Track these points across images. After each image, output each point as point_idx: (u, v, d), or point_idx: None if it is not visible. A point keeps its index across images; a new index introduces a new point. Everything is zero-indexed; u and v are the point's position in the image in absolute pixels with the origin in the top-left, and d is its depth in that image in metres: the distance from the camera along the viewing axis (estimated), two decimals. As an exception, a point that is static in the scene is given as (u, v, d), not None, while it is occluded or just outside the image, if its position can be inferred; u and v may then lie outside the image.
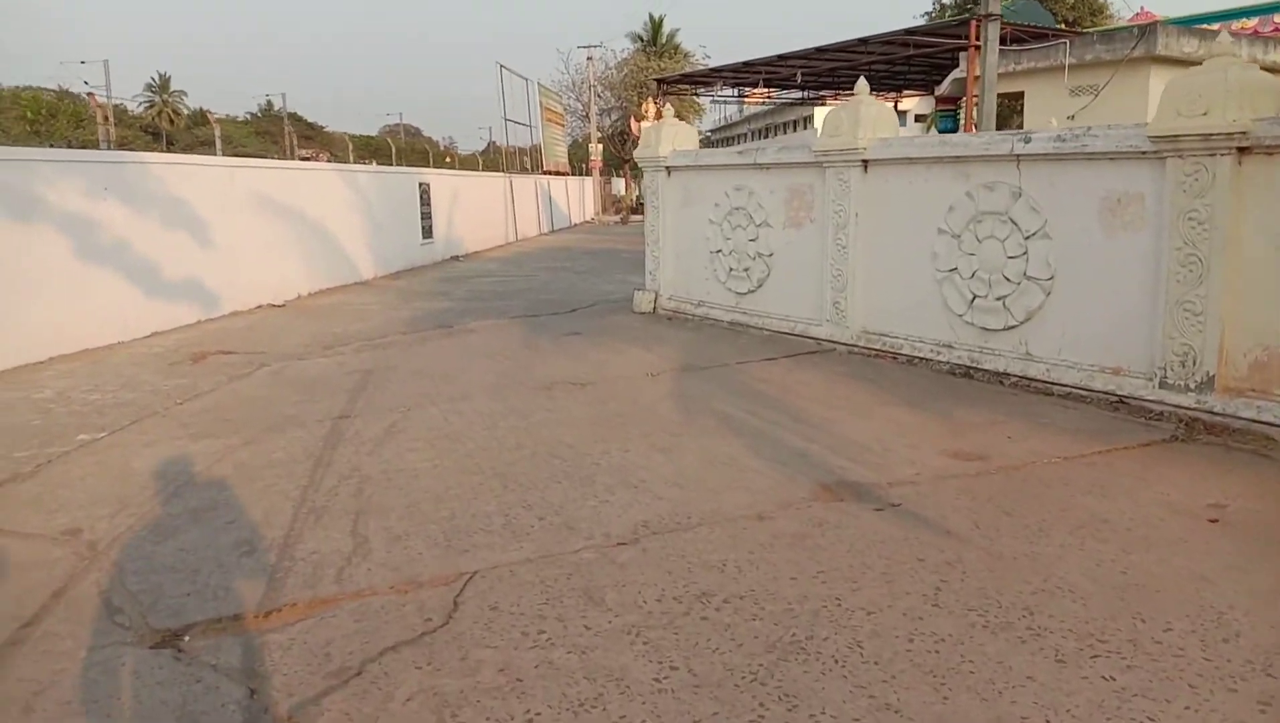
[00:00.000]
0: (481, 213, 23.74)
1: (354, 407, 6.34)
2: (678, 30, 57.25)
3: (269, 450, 5.31)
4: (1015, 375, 6.54)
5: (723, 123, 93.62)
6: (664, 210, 9.79)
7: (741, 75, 22.81)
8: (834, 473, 4.70)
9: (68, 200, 8.82)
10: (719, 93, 23.73)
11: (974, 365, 6.79)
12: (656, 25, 57.90)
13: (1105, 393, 6.04)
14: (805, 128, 74.35)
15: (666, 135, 9.58)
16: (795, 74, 20.51)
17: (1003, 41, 16.95)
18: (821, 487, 4.49)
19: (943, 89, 18.23)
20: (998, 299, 6.62)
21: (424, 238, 18.85)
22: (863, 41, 18.85)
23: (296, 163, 14.20)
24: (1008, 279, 6.54)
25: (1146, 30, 14.60)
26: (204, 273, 10.99)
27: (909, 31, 17.85)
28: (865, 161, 7.44)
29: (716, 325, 9.14)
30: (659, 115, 30.24)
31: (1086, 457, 5.01)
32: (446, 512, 4.25)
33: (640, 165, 9.99)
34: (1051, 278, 6.30)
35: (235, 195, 11.75)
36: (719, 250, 9.09)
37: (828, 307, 7.87)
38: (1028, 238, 6.38)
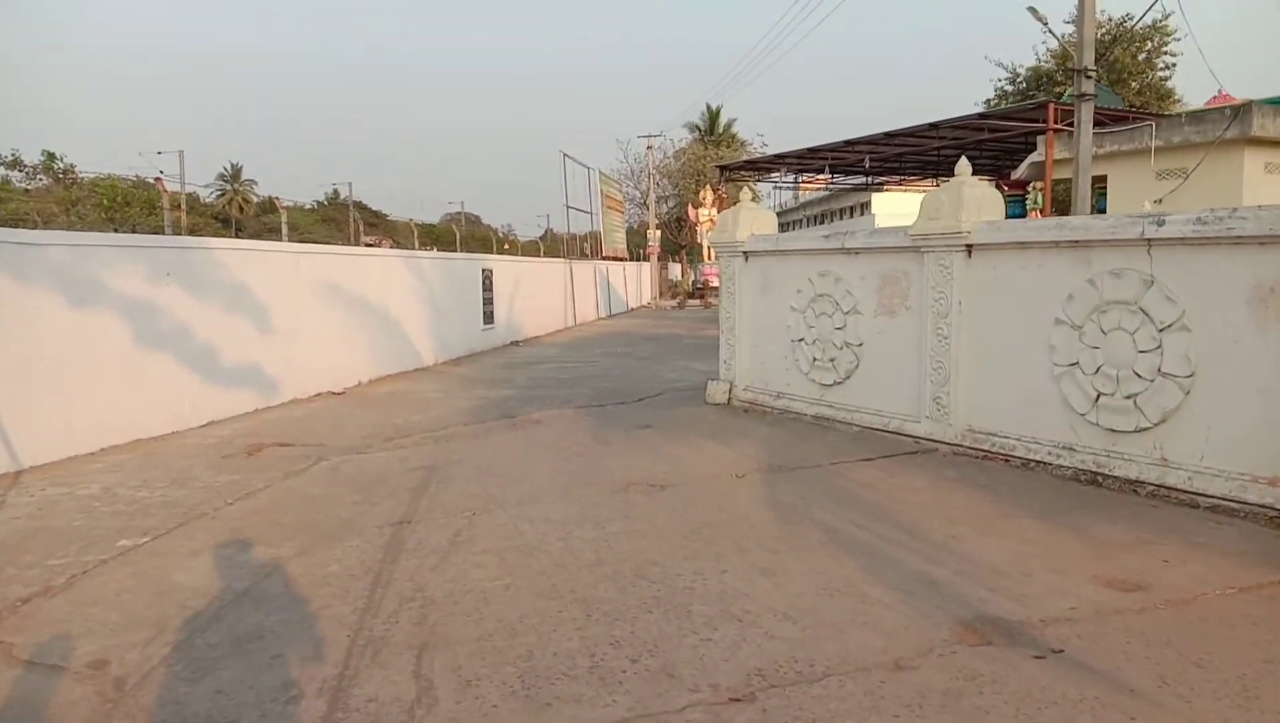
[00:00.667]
0: (542, 298, 23.56)
1: (416, 510, 5.81)
2: (734, 120, 58.06)
3: (323, 562, 4.78)
4: (1151, 483, 5.80)
5: (778, 209, 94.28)
6: (740, 297, 9.29)
7: (805, 161, 22.57)
8: (973, 606, 4.01)
9: (128, 285, 8.60)
10: (782, 178, 23.49)
11: (1101, 471, 6.06)
12: (714, 115, 58.76)
13: (1262, 506, 5.28)
14: (862, 214, 74.29)
15: (744, 219, 9.14)
16: (863, 159, 20.17)
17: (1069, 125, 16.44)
18: (963, 625, 3.80)
19: (1019, 173, 17.71)
20: (1127, 397, 5.92)
21: (485, 323, 18.62)
22: (933, 126, 18.47)
23: (360, 249, 14.08)
24: (1139, 375, 5.85)
25: (1240, 110, 13.97)
26: (264, 360, 10.71)
27: (982, 116, 17.44)
28: (969, 246, 6.87)
29: (799, 420, 8.52)
30: (719, 203, 30.09)
31: (1265, 588, 4.26)
32: (523, 648, 3.64)
33: (715, 250, 9.53)
34: (1191, 375, 5.60)
35: (299, 281, 11.55)
36: (801, 339, 8.53)
37: (926, 402, 7.22)
38: (1162, 330, 5.71)
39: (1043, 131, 16.45)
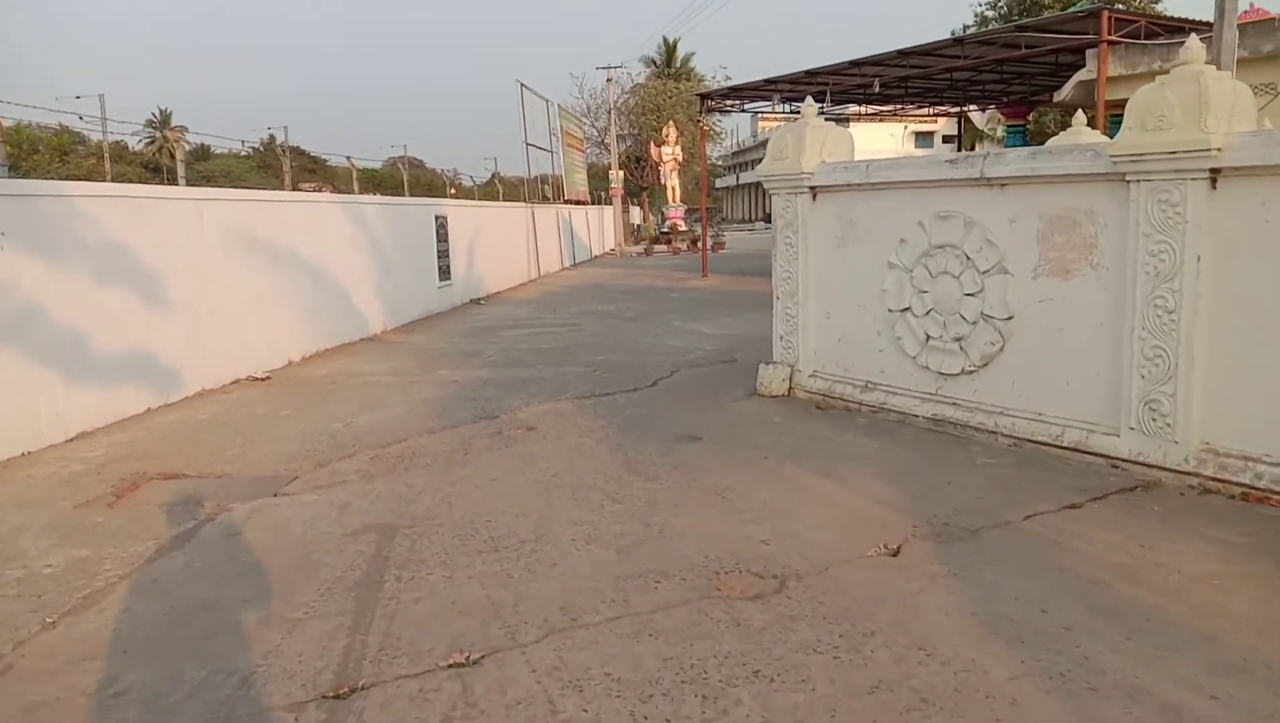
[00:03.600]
0: (503, 248, 20.85)
1: (363, 648, 3.30)
2: (693, 54, 54.98)
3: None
4: None
5: (735, 147, 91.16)
6: (806, 249, 6.78)
7: (801, 86, 19.91)
8: None
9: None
10: (775, 107, 20.85)
11: None
12: (671, 48, 55.68)
13: None
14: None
15: (811, 141, 6.59)
16: (870, 82, 17.63)
17: (1131, 36, 14.06)
18: None
19: (1064, 95, 15.33)
20: None
21: (441, 280, 15.92)
22: (957, 42, 15.94)
23: (285, 193, 11.32)
24: None
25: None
26: (157, 343, 8.02)
27: (1019, 28, 14.95)
28: (1214, 171, 4.43)
29: (906, 423, 6.09)
30: (678, 140, 27.41)
31: None
32: None
33: (767, 186, 7.00)
34: None
35: (204, 236, 8.80)
36: (906, 308, 6.07)
37: (1133, 406, 4.84)
38: None
39: (1092, 45, 14.03)
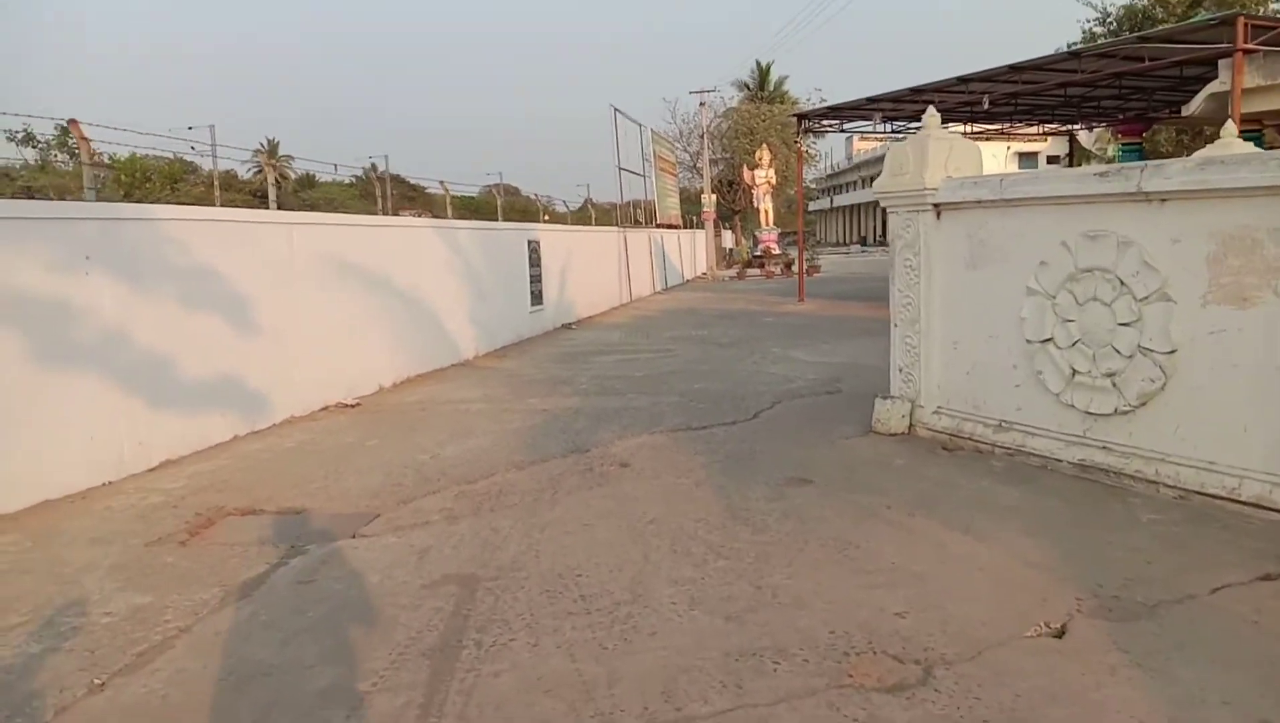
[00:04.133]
0: (595, 272, 20.57)
1: (437, 732, 2.85)
2: (786, 77, 54.34)
3: None
4: None
5: (829, 170, 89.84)
6: (930, 272, 6.16)
7: (903, 105, 19.17)
8: None
9: (20, 278, 5.73)
10: (877, 126, 20.11)
11: None
12: (764, 72, 55.18)
13: None
14: (924, 173, 69.72)
15: (935, 154, 6.00)
16: (981, 99, 16.78)
17: (1270, 43, 12.97)
18: None
19: (1193, 108, 14.27)
20: None
21: (533, 305, 15.66)
22: (1073, 55, 15.01)
23: (378, 217, 11.18)
24: None
25: None
26: (245, 368, 7.85)
27: (1142, 39, 13.96)
28: None
29: (1048, 468, 5.41)
30: (771, 162, 26.79)
31: None
32: None
33: (884, 203, 6.41)
34: None
35: (294, 260, 8.64)
36: (1047, 339, 5.40)
37: (1336, 459, 4.10)
38: None
39: (1225, 54, 12.98)
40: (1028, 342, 5.52)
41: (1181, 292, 4.70)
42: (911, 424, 6.35)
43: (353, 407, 9.15)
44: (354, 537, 4.92)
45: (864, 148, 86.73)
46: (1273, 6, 31.28)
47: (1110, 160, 34.39)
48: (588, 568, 4.21)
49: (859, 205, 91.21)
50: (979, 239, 5.79)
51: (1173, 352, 4.75)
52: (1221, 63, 13.44)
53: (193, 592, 4.15)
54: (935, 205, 6.04)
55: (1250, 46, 12.74)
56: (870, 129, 21.50)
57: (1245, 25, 12.62)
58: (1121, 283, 4.94)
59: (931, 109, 6.22)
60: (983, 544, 4.26)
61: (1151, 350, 4.84)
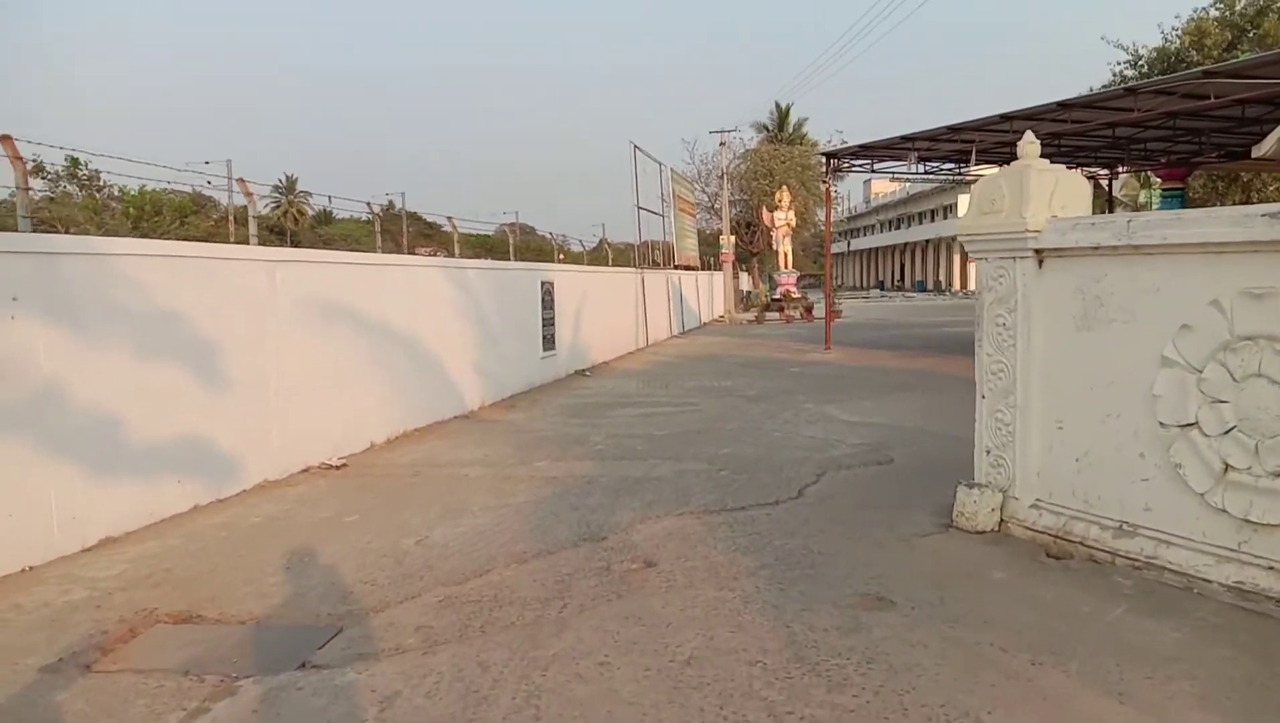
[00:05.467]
0: (611, 316, 19.56)
1: None
2: (805, 119, 53.66)
3: None
4: None
5: (847, 214, 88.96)
6: (1029, 333, 5.04)
7: (938, 144, 18.19)
8: None
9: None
10: (912, 166, 19.11)
11: None
12: (784, 113, 54.57)
13: None
14: (946, 216, 68.92)
15: (1037, 188, 4.91)
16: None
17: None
18: None
19: (1265, 149, 13.18)
20: None
21: (545, 350, 14.61)
22: (1129, 92, 14.00)
23: (376, 256, 10.14)
24: None
25: None
26: (213, 427, 6.81)
27: (1206, 73, 12.93)
28: None
29: (1189, 587, 4.24)
30: (791, 204, 25.86)
31: None
32: None
33: (970, 248, 5.31)
34: None
35: (277, 303, 7.62)
36: (1190, 423, 4.26)
37: None
38: None
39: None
40: (1161, 425, 4.38)
41: (1389, 369, 3.58)
42: (1003, 519, 5.19)
43: (338, 468, 8.07)
44: (303, 667, 3.81)
45: (881, 191, 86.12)
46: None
47: (1142, 206, 33.30)
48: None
49: (877, 249, 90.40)
50: (1094, 295, 4.68)
51: (1376, 448, 3.62)
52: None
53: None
54: (1037, 251, 4.93)
55: (1329, 83, 11.70)
56: (904, 170, 20.50)
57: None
58: (1298, 355, 3.82)
59: (1029, 134, 5.15)
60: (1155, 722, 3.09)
61: (1344, 445, 3.70)
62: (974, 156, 17.26)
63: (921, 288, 73.02)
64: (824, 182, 20.20)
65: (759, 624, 4.03)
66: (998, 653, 3.64)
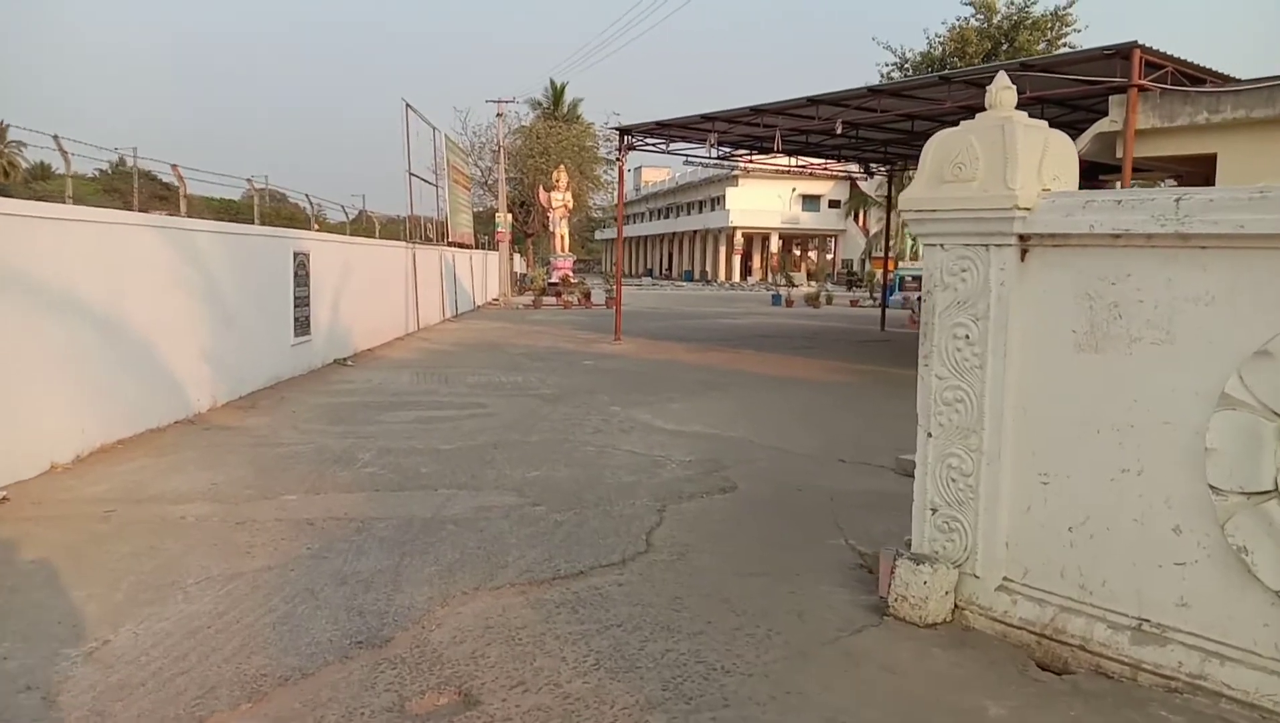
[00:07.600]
0: (378, 296, 17.21)
1: None
2: (581, 100, 52.44)
3: None
4: None
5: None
6: (1004, 350, 3.63)
7: (743, 126, 17.15)
8: None
9: None
10: (713, 147, 17.94)
11: None
12: (559, 92, 53.06)
13: None
14: (714, 209, 69.80)
15: (1025, 150, 3.50)
16: (832, 125, 14.95)
17: (1160, 81, 11.87)
18: None
19: (1081, 148, 12.97)
20: None
21: (298, 334, 12.18)
22: (943, 80, 13.45)
23: (58, 207, 7.47)
24: None
25: None
26: None
27: (1024, 65, 12.52)
28: None
29: (1228, 712, 2.99)
30: (569, 185, 24.48)
31: None
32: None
33: (917, 231, 3.86)
34: None
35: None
36: (1264, 492, 3.00)
37: None
38: None
39: (1121, 90, 11.71)
40: (1214, 490, 3.09)
41: None
42: (956, 608, 3.79)
43: (-11, 506, 5.61)
44: None
45: (652, 180, 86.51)
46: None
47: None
48: None
49: (647, 237, 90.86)
50: (1109, 301, 3.34)
51: None
52: (1113, 99, 12.19)
53: None
54: (1022, 236, 3.54)
55: (1144, 83, 11.54)
56: (700, 152, 19.41)
57: (1140, 58, 11.40)
58: None
59: (1002, 73, 3.72)
60: None
61: None
62: (778, 141, 16.34)
63: (689, 277, 73.95)
64: (618, 159, 18.71)
65: None
66: None
